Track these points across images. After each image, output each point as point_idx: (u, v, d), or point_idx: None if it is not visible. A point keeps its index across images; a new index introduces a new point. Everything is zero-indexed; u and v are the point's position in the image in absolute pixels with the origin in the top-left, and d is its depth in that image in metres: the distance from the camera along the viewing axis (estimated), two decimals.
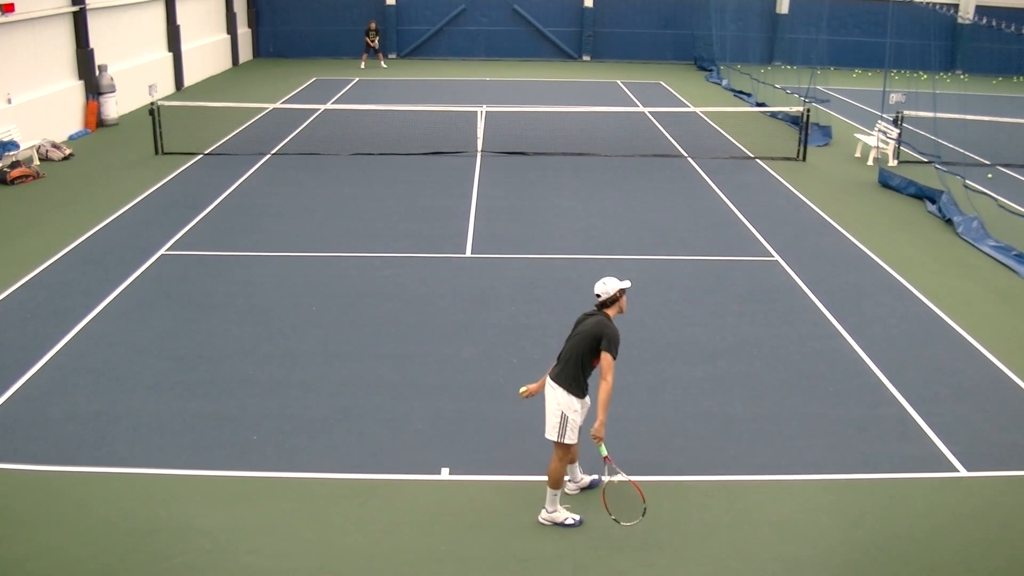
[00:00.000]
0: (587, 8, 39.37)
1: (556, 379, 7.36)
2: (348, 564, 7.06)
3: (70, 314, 11.49)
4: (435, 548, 7.24)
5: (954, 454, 8.67)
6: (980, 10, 36.27)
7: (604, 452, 7.14)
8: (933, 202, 17.04)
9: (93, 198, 16.79)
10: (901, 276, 13.39)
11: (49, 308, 11.71)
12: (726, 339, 11.12)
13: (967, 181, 17.31)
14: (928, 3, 25.06)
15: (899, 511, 7.82)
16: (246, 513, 7.64)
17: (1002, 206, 16.75)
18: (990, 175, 19.74)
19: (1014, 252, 14.32)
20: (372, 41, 36.55)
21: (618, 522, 7.24)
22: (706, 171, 19.59)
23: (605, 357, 7.11)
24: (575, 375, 7.29)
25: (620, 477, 7.28)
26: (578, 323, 7.57)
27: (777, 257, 14.12)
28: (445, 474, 8.26)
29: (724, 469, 8.41)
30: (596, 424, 7.08)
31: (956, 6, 36.72)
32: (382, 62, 36.61)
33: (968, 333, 11.43)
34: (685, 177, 19.19)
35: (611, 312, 7.43)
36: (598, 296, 7.46)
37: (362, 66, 36.21)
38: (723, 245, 14.73)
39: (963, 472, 8.42)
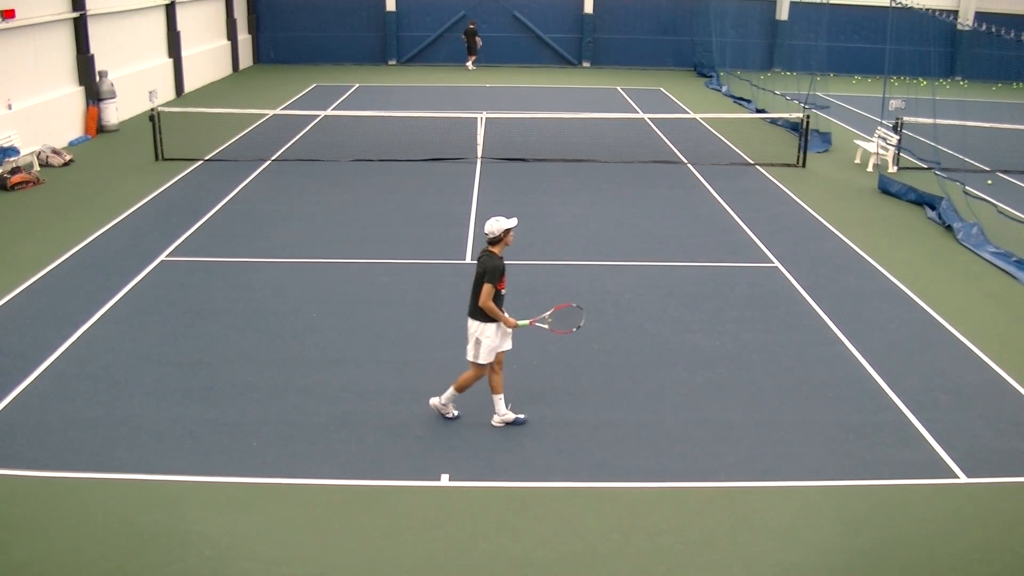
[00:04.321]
0: (587, 15, 39.46)
1: (470, 314, 8.86)
2: (348, 570, 7.06)
3: (70, 320, 11.50)
4: (435, 554, 7.24)
5: (954, 460, 8.68)
6: (979, 16, 36.37)
7: (525, 323, 8.95)
8: (933, 208, 17.06)
9: (93, 204, 16.81)
10: (901, 282, 13.40)
11: (49, 314, 11.71)
12: (726, 345, 11.12)
13: (967, 187, 17.33)
14: (928, 10, 25.10)
15: (899, 517, 7.81)
16: (246, 519, 7.64)
17: (1002, 212, 16.76)
18: (990, 181, 19.76)
19: (1014, 258, 14.34)
20: (472, 41, 37.72)
21: (579, 327, 9.19)
22: (706, 177, 19.61)
23: (485, 287, 8.65)
24: (476, 307, 8.79)
25: (547, 314, 9.11)
26: (478, 261, 8.94)
27: (777, 263, 14.13)
28: (445, 480, 8.26)
29: (724, 475, 8.41)
30: (508, 322, 8.80)
31: (955, 13, 36.78)
32: (470, 64, 37.88)
33: (968, 339, 11.44)
34: (685, 183, 19.21)
35: (498, 249, 8.85)
36: (487, 235, 8.85)
37: (471, 67, 37.66)
38: (723, 251, 14.74)
39: (963, 478, 8.42)
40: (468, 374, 9.04)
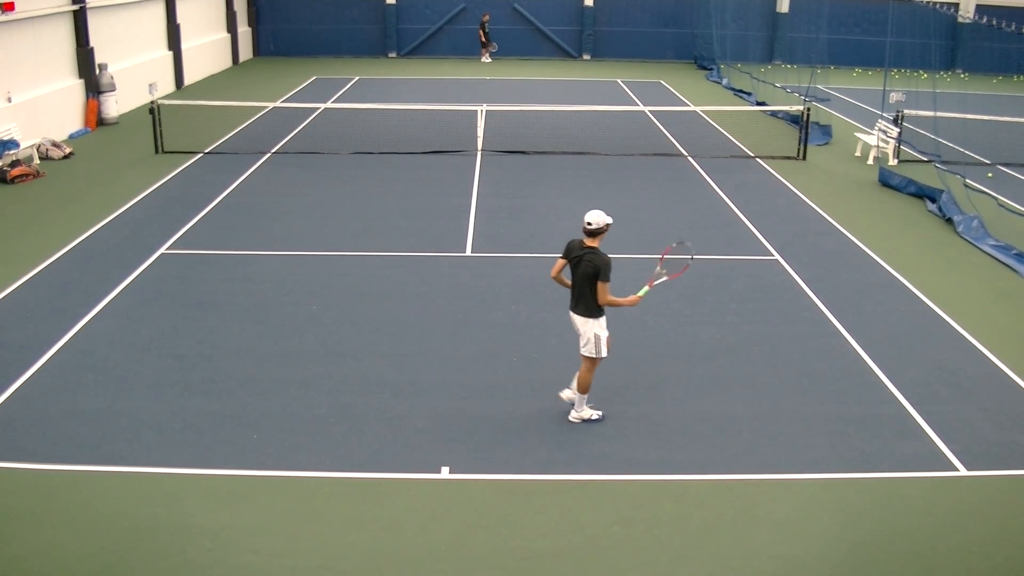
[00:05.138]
0: (587, 7, 39.36)
1: (577, 311, 8.79)
2: (348, 563, 7.07)
3: (70, 313, 11.50)
4: (435, 547, 7.25)
5: (953, 453, 8.69)
6: (980, 9, 36.28)
7: (646, 290, 8.88)
8: (933, 201, 17.05)
9: (93, 197, 16.80)
10: (901, 275, 13.40)
11: (49, 307, 11.71)
12: (726, 338, 11.13)
13: (967, 180, 17.31)
14: (928, 2, 25.06)
15: (898, 510, 7.83)
16: (246, 512, 7.65)
17: (1002, 205, 16.76)
18: (990, 174, 19.75)
19: (1014, 251, 14.33)
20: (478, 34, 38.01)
21: (693, 257, 9.40)
22: (706, 170, 19.59)
23: (601, 286, 8.55)
24: (590, 305, 8.68)
25: (659, 268, 9.05)
26: (570, 250, 8.84)
27: (777, 256, 14.13)
28: (445, 473, 8.27)
29: (724, 468, 8.42)
30: (631, 302, 8.81)
31: (956, 5, 36.71)
32: (486, 56, 38.20)
33: (968, 332, 11.44)
34: (685, 176, 19.19)
35: (597, 243, 8.71)
36: (589, 224, 8.68)
37: (488, 60, 37.93)
38: (723, 244, 14.73)
39: (962, 471, 8.42)
40: (584, 374, 8.92)
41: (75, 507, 7.65)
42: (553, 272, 9.07)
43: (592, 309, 8.70)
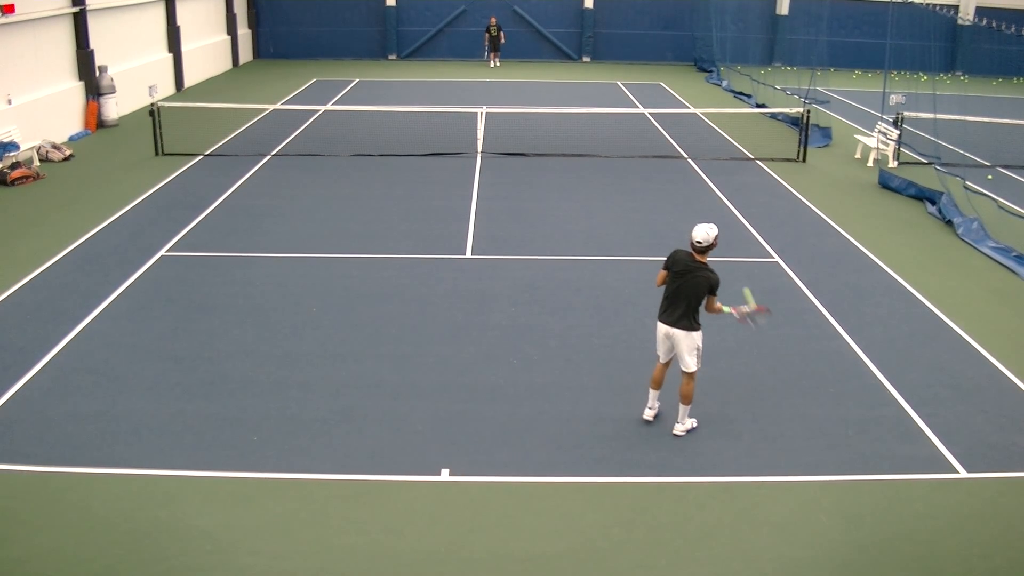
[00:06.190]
0: (587, 9, 39.39)
1: (680, 326, 8.69)
2: (348, 565, 7.06)
3: (70, 315, 11.49)
4: (435, 549, 7.25)
5: (954, 455, 8.68)
6: (980, 11, 36.31)
7: (728, 310, 8.88)
8: (933, 203, 17.04)
9: (93, 199, 16.79)
10: (901, 277, 13.39)
11: (49, 309, 11.71)
12: (726, 340, 11.11)
13: (967, 182, 17.31)
14: (928, 4, 25.08)
15: (899, 512, 7.82)
16: (246, 514, 7.65)
17: (1002, 207, 16.74)
18: (990, 176, 19.74)
19: (1014, 253, 14.33)
20: (493, 37, 37.83)
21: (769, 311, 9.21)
22: (706, 172, 19.59)
23: (711, 299, 8.71)
24: (692, 317, 8.68)
25: (757, 320, 9.07)
26: (675, 263, 8.76)
27: (777, 258, 14.13)
28: (445, 475, 8.26)
29: (724, 470, 8.41)
30: (740, 313, 8.91)
31: (956, 7, 36.72)
32: (495, 61, 37.97)
33: (968, 334, 11.44)
34: (685, 178, 19.19)
35: (706, 258, 8.73)
36: (699, 243, 8.64)
37: (496, 64, 37.77)
38: (723, 246, 14.54)
39: (963, 473, 8.42)
40: (690, 385, 8.84)
41: (74, 509, 7.64)
42: (659, 282, 9.00)
43: (695, 323, 8.71)
